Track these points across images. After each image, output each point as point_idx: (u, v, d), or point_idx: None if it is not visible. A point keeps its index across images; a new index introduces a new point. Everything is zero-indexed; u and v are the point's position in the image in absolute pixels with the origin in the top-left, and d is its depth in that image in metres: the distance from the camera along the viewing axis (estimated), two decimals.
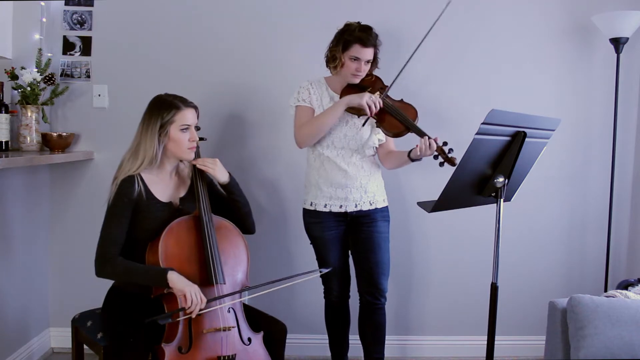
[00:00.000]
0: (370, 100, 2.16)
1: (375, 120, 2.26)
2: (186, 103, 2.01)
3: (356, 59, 2.22)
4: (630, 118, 2.87)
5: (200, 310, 1.80)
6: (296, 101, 2.33)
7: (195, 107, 2.05)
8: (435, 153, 2.11)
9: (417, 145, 2.14)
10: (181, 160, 2.09)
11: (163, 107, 1.98)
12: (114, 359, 1.87)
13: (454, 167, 1.67)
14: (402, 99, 2.31)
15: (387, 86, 2.28)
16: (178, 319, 1.81)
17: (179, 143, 1.98)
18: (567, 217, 2.91)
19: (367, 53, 2.22)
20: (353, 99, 2.19)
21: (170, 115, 1.96)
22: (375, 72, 2.37)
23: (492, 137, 1.60)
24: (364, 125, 2.25)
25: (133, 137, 2.02)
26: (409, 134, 2.22)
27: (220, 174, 2.07)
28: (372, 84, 2.30)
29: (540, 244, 2.91)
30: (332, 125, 2.25)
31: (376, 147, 2.37)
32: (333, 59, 2.27)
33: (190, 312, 1.79)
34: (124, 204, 1.90)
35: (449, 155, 2.10)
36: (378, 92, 2.25)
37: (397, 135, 2.24)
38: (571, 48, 2.83)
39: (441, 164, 2.10)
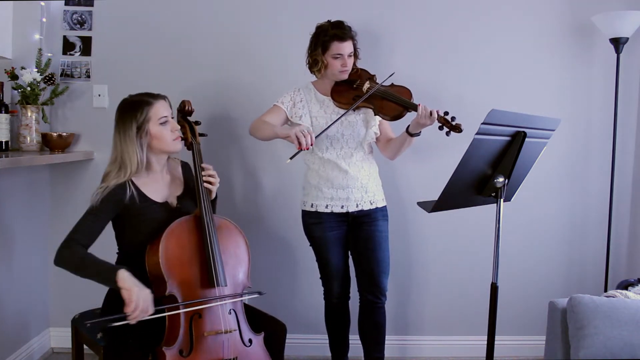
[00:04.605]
0: (300, 133, 2.05)
1: (371, 110, 2.27)
2: (154, 96, 1.96)
3: (338, 55, 2.24)
4: (630, 118, 2.87)
5: (144, 318, 1.70)
6: (276, 101, 2.36)
7: (165, 97, 1.99)
8: (439, 124, 2.13)
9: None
10: (169, 158, 2.06)
11: (134, 109, 1.92)
12: (114, 359, 1.87)
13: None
14: (392, 83, 2.32)
15: (375, 75, 2.30)
16: (118, 324, 1.70)
17: (162, 137, 1.94)
18: (567, 217, 2.91)
19: (347, 47, 2.25)
20: (280, 131, 2.17)
21: (145, 114, 1.91)
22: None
23: (492, 137, 1.60)
24: (291, 158, 2.11)
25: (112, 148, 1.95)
26: (409, 113, 2.23)
27: (215, 190, 2.06)
28: (358, 77, 2.32)
29: (540, 244, 2.91)
30: (267, 139, 2.28)
31: (374, 141, 2.38)
32: (315, 63, 2.29)
33: (130, 319, 1.67)
34: (109, 203, 1.86)
35: (454, 123, 2.11)
36: (368, 82, 2.27)
37: (396, 117, 2.24)
38: (571, 48, 2.83)
39: (447, 134, 2.13)
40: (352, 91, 2.29)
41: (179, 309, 1.81)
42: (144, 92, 1.98)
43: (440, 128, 2.14)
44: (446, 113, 2.14)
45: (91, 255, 1.80)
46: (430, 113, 2.12)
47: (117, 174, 1.90)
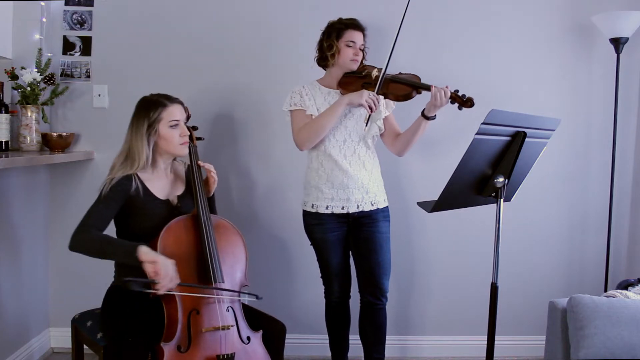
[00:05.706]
0: (370, 99, 2.20)
1: (381, 94, 2.28)
2: (171, 99, 2.03)
3: (352, 43, 2.28)
4: (630, 118, 2.87)
5: (170, 290, 1.74)
6: (289, 106, 2.34)
7: (181, 103, 2.07)
8: (450, 99, 2.18)
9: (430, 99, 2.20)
10: (174, 159, 2.11)
11: (149, 107, 1.99)
12: (114, 359, 1.87)
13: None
14: (400, 72, 2.34)
15: (382, 69, 2.29)
16: (147, 291, 1.74)
17: (170, 140, 2.00)
18: (567, 217, 2.91)
19: (360, 37, 2.31)
20: (354, 99, 2.22)
21: (157, 114, 1.98)
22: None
23: (492, 137, 1.60)
24: (367, 124, 2.28)
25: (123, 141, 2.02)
26: (418, 95, 2.26)
27: (214, 187, 2.14)
28: (364, 69, 2.33)
29: (540, 244, 2.90)
30: (332, 125, 2.25)
31: (380, 135, 2.39)
32: (330, 47, 2.29)
33: (158, 288, 1.72)
34: (117, 192, 1.91)
35: (465, 99, 2.16)
36: (376, 70, 2.28)
37: (406, 97, 2.25)
38: (571, 48, 2.83)
39: (459, 108, 2.18)
40: (360, 79, 2.30)
41: (193, 289, 1.84)
42: (163, 93, 2.05)
43: (452, 103, 2.19)
44: (457, 91, 2.19)
45: (108, 236, 1.85)
46: (443, 92, 2.15)
47: (123, 165, 1.97)
